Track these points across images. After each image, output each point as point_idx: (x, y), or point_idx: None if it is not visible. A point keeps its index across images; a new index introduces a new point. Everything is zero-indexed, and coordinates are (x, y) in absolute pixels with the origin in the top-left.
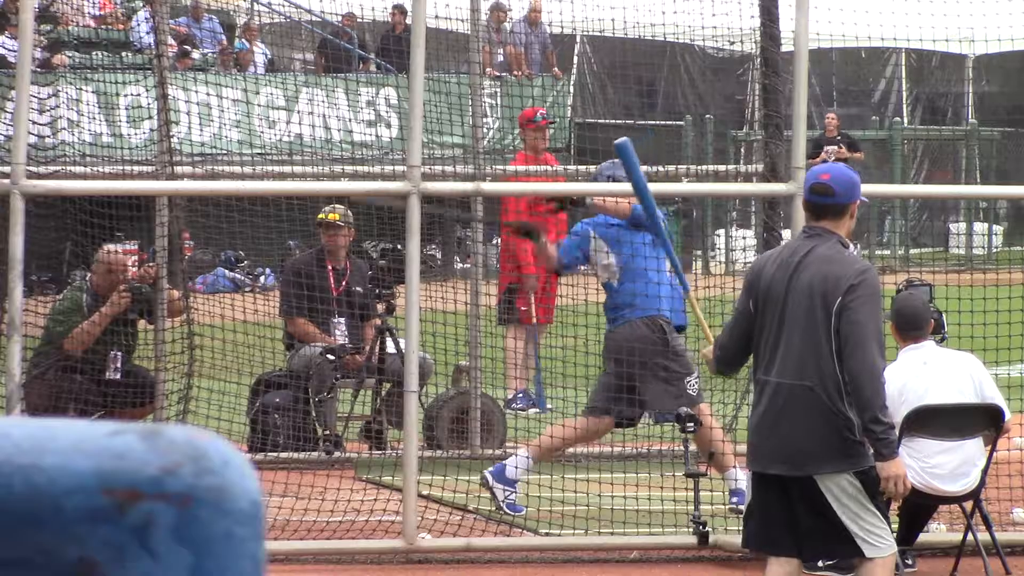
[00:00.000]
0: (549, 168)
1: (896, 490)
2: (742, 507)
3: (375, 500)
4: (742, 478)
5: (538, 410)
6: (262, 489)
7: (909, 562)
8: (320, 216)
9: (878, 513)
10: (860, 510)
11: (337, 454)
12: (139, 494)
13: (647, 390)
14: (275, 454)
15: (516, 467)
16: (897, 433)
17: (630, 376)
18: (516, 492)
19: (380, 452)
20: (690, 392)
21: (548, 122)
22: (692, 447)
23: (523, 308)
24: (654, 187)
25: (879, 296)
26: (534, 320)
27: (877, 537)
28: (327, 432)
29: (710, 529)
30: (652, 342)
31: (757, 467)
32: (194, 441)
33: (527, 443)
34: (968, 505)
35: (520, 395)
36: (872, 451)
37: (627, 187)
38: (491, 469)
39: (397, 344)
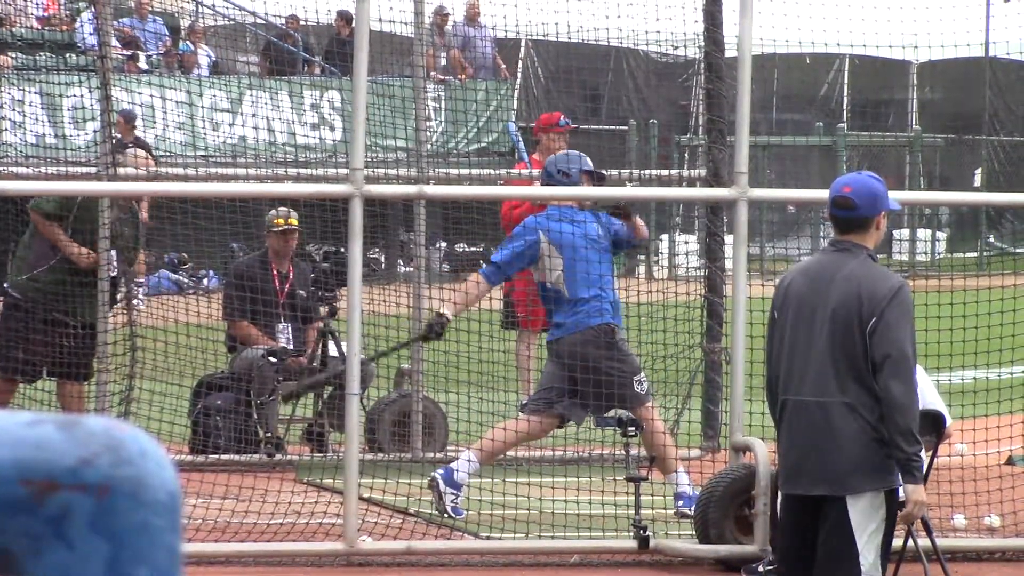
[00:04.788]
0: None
1: (916, 516)
2: (687, 510)
3: (316, 503)
4: (685, 481)
5: None
6: (182, 483)
7: None
8: (279, 221)
9: (881, 539)
10: (875, 535)
11: (278, 456)
12: (56, 484)
13: (603, 393)
14: (216, 456)
15: (465, 472)
16: None
17: (573, 380)
18: (460, 496)
19: (321, 455)
20: (638, 391)
21: (572, 127)
22: (633, 451)
23: (520, 314)
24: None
25: (912, 312)
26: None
27: (872, 564)
28: (269, 434)
29: (651, 533)
30: (602, 346)
31: (799, 489)
32: (112, 432)
33: (470, 446)
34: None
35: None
36: (901, 474)
37: (580, 190)
38: (441, 472)
39: (339, 347)
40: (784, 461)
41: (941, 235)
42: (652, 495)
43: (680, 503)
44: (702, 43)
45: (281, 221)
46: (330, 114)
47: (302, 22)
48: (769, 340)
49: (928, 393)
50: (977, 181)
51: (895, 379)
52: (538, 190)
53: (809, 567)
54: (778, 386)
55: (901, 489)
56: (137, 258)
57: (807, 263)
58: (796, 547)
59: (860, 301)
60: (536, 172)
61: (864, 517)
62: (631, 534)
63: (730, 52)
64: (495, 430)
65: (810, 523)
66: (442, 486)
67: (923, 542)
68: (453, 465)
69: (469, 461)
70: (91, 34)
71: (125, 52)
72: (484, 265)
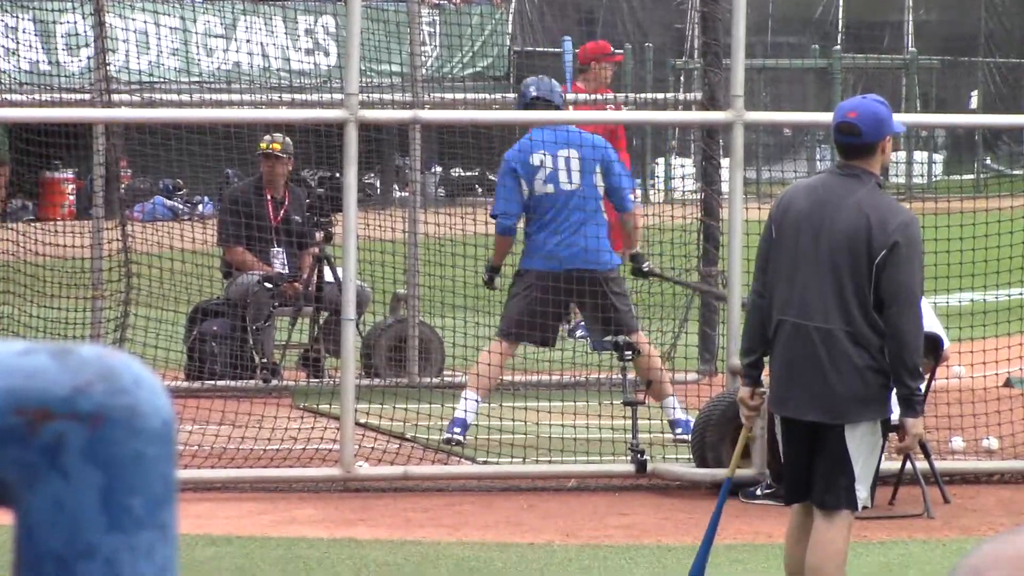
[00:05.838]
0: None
1: (913, 447)
2: (685, 437)
3: (312, 428)
4: (679, 407)
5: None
6: (178, 410)
7: None
8: (262, 146)
9: (876, 466)
10: (870, 462)
11: (274, 382)
12: (50, 413)
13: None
14: (212, 382)
15: (473, 412)
16: None
17: (544, 302)
18: (467, 433)
19: (318, 380)
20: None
21: (621, 57)
22: (630, 375)
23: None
24: (593, 115)
25: (921, 247)
26: None
27: (867, 490)
28: (264, 360)
29: (648, 457)
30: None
31: (789, 412)
32: (105, 360)
33: (466, 385)
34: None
35: (582, 324)
36: (902, 408)
37: (564, 114)
38: (453, 427)
39: (335, 272)
40: (777, 382)
41: (938, 157)
42: (649, 419)
43: (679, 430)
44: None
45: (264, 145)
46: (324, 39)
47: None
48: (762, 256)
49: (926, 316)
50: (973, 103)
51: (904, 316)
52: (520, 115)
53: (805, 489)
54: (771, 304)
55: (893, 416)
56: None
57: (811, 182)
58: (794, 470)
59: (870, 232)
60: (582, 97)
61: (861, 445)
62: (628, 458)
63: None
64: (479, 360)
65: (807, 447)
66: (459, 436)
67: (921, 465)
68: (457, 414)
69: (471, 401)
70: None
71: None
72: (494, 223)
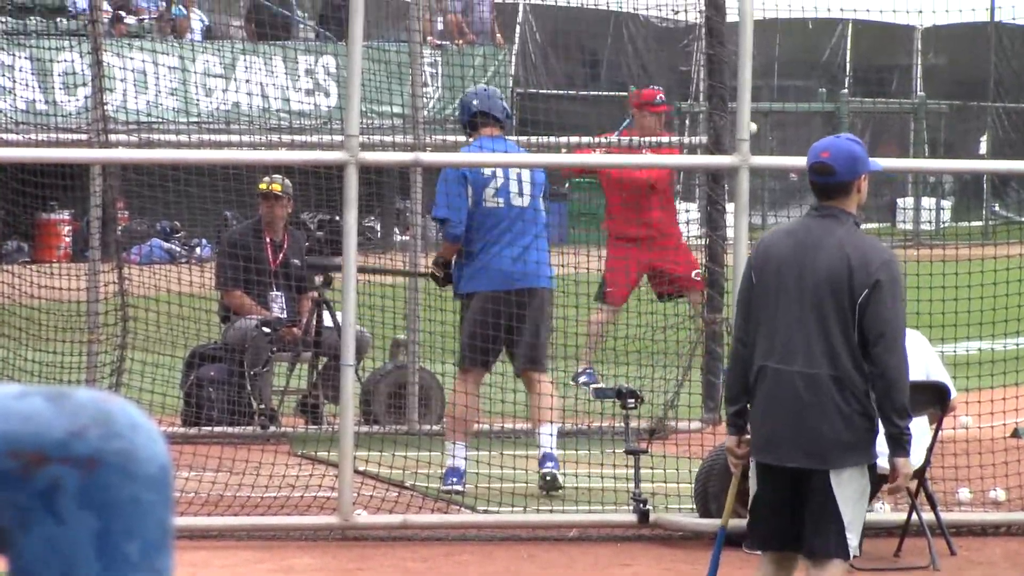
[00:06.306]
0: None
1: (903, 488)
2: (554, 471)
3: (310, 475)
4: (554, 442)
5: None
6: (175, 456)
7: None
8: (262, 186)
9: (865, 511)
10: (858, 507)
11: (272, 428)
12: (45, 457)
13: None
14: (209, 428)
15: (463, 456)
16: None
17: (496, 326)
18: (462, 481)
19: (316, 427)
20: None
21: (668, 107)
22: (633, 424)
23: (610, 289)
24: (597, 158)
25: (902, 285)
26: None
27: (858, 536)
28: (262, 406)
29: (651, 507)
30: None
31: (772, 459)
32: (101, 404)
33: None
34: (913, 484)
35: (589, 371)
36: (891, 447)
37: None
38: (449, 478)
39: (334, 317)
40: (760, 429)
41: (946, 203)
42: (652, 468)
43: (549, 464)
44: (703, 7)
45: (264, 186)
46: (325, 80)
47: None
48: (743, 304)
49: (933, 365)
50: (982, 148)
51: (889, 354)
52: (527, 157)
53: (782, 539)
54: (753, 351)
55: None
56: None
57: (789, 226)
58: (773, 516)
59: (852, 271)
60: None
61: (848, 490)
62: (631, 508)
63: (731, 17)
64: (448, 402)
65: (789, 495)
66: (456, 487)
67: (927, 516)
68: (448, 464)
69: (456, 446)
70: None
71: (111, 14)
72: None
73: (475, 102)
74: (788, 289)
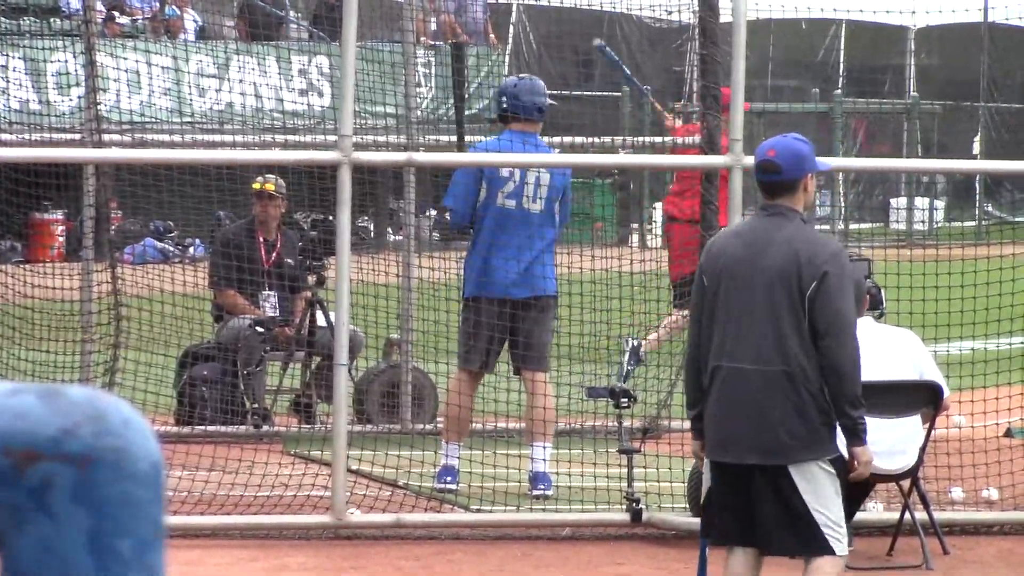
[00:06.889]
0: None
1: (865, 474)
2: (547, 493)
3: (304, 475)
4: (547, 460)
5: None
6: (168, 455)
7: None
8: (255, 186)
9: (842, 505)
10: (829, 501)
11: (266, 428)
12: (38, 455)
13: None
14: (203, 427)
15: (456, 456)
16: None
17: (497, 328)
18: (456, 479)
19: (309, 426)
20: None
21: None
22: (626, 423)
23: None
24: (591, 158)
25: (852, 278)
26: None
27: (841, 532)
28: (255, 405)
29: (644, 506)
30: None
31: (729, 457)
32: (94, 401)
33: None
34: (906, 484)
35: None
36: (847, 438)
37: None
38: (443, 477)
39: (327, 317)
40: (717, 428)
41: (939, 204)
42: (645, 467)
43: (541, 486)
44: (696, 8)
45: (257, 185)
46: (318, 80)
47: None
48: (696, 307)
49: (926, 364)
50: (975, 149)
51: (840, 346)
52: (526, 157)
53: (743, 535)
54: (708, 353)
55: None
56: None
57: (738, 227)
58: (733, 514)
59: (799, 267)
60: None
61: (813, 485)
62: (624, 507)
63: (725, 17)
64: (445, 402)
65: (747, 494)
66: (448, 485)
67: (920, 516)
68: (442, 463)
69: (450, 446)
70: None
71: (104, 14)
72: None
73: (504, 98)
74: (739, 289)
